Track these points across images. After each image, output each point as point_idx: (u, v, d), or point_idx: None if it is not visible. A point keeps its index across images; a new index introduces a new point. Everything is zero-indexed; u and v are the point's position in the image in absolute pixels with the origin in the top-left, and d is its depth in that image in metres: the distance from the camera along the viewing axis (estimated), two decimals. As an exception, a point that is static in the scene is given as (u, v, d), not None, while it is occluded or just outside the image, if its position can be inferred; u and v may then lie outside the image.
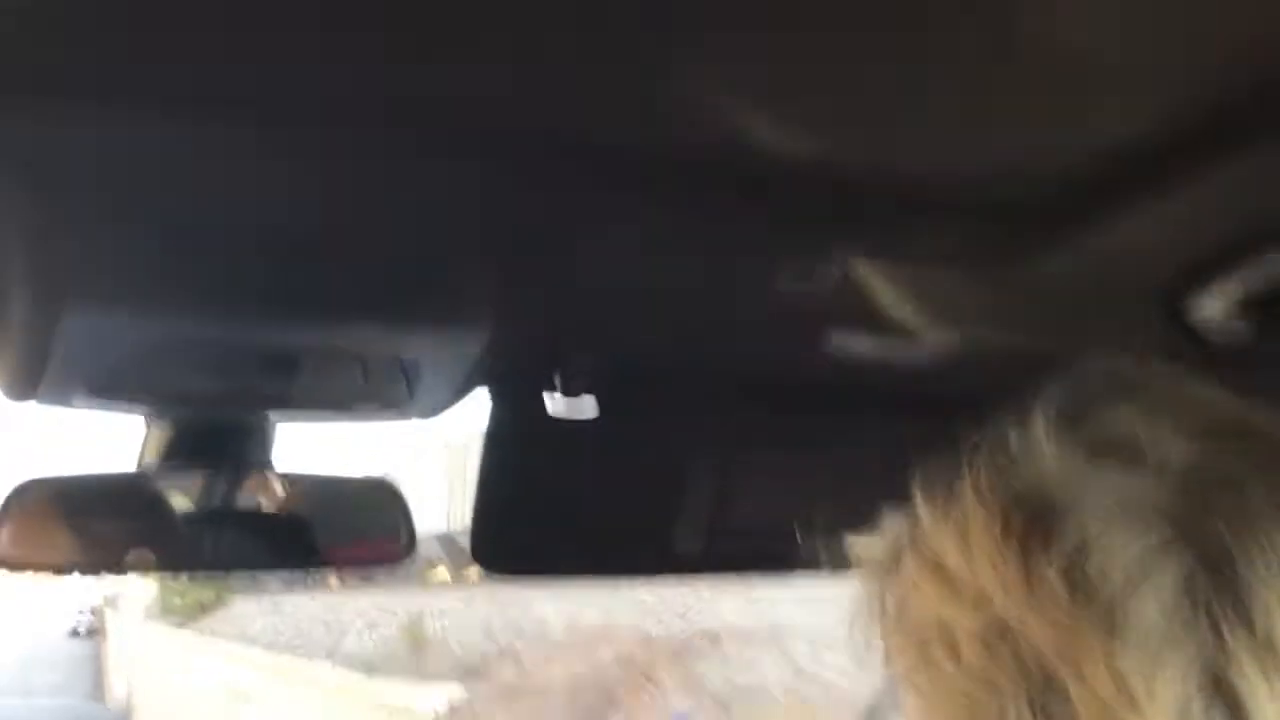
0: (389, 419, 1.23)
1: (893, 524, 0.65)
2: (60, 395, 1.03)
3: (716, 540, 1.40)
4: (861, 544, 0.67)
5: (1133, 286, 1.07)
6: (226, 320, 0.94)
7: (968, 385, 1.36)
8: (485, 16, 0.72)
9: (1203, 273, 1.01)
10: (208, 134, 0.85)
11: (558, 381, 1.30)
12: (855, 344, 1.29)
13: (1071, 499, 0.57)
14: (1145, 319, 1.08)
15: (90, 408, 1.07)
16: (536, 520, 1.36)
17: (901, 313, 1.24)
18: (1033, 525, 0.57)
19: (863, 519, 0.68)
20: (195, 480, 1.28)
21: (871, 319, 1.26)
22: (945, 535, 0.60)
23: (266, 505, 1.32)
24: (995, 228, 1.05)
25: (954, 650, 0.58)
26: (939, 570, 0.60)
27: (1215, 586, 0.54)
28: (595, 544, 1.39)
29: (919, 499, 0.62)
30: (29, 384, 1.00)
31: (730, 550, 1.41)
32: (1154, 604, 0.54)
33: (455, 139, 0.92)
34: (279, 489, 1.31)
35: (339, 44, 0.76)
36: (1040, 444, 0.60)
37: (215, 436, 1.24)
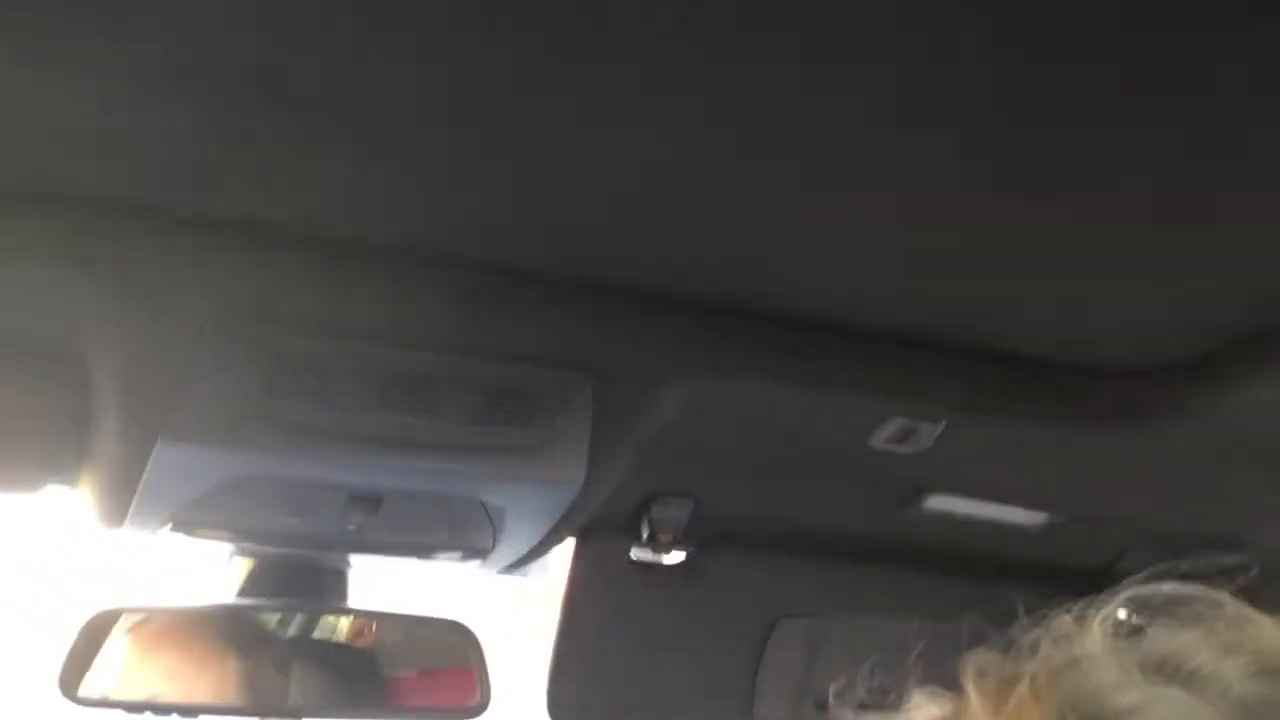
0: (470, 569, 1.21)
1: (938, 705, 0.63)
2: (147, 526, 1.03)
3: (806, 704, 1.34)
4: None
5: (1259, 450, 1.02)
6: (314, 458, 0.93)
7: (1068, 552, 1.31)
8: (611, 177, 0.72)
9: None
10: (296, 265, 0.86)
11: (645, 533, 1.27)
12: (953, 505, 1.24)
13: (1126, 715, 0.54)
14: (1271, 485, 1.02)
15: (175, 538, 1.06)
16: (616, 676, 1.31)
17: (1003, 475, 1.19)
18: None
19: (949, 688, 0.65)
20: (273, 617, 1.24)
21: (972, 481, 1.21)
22: None
23: (343, 645, 1.28)
24: (1108, 388, 1.00)
25: None
26: None
27: None
28: (677, 704, 1.34)
29: (972, 685, 0.61)
30: (118, 514, 1.00)
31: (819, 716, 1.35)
32: None
33: (552, 289, 0.91)
34: (355, 629, 1.28)
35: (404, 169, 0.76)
36: (1098, 653, 0.58)
37: (295, 574, 1.21)
